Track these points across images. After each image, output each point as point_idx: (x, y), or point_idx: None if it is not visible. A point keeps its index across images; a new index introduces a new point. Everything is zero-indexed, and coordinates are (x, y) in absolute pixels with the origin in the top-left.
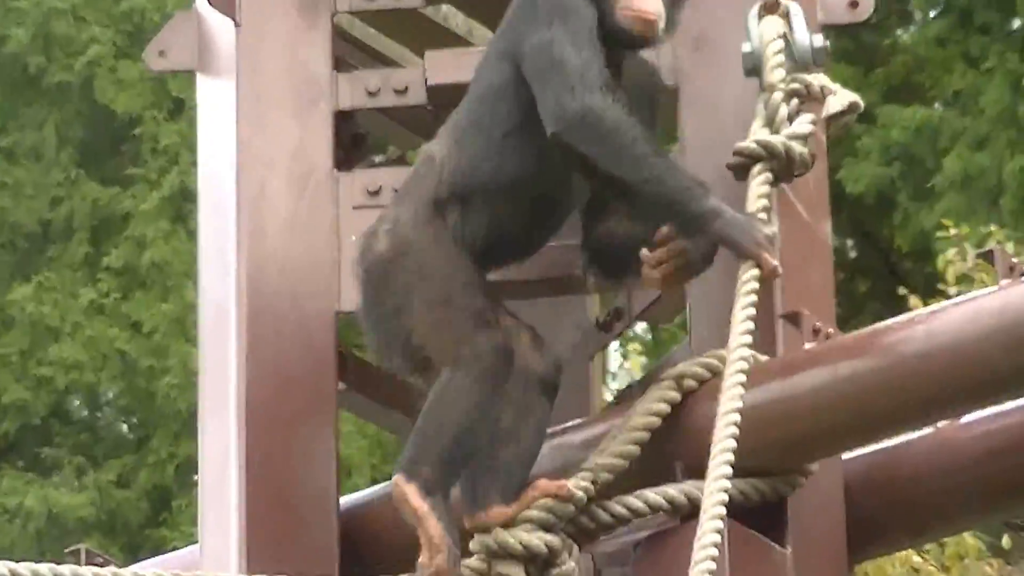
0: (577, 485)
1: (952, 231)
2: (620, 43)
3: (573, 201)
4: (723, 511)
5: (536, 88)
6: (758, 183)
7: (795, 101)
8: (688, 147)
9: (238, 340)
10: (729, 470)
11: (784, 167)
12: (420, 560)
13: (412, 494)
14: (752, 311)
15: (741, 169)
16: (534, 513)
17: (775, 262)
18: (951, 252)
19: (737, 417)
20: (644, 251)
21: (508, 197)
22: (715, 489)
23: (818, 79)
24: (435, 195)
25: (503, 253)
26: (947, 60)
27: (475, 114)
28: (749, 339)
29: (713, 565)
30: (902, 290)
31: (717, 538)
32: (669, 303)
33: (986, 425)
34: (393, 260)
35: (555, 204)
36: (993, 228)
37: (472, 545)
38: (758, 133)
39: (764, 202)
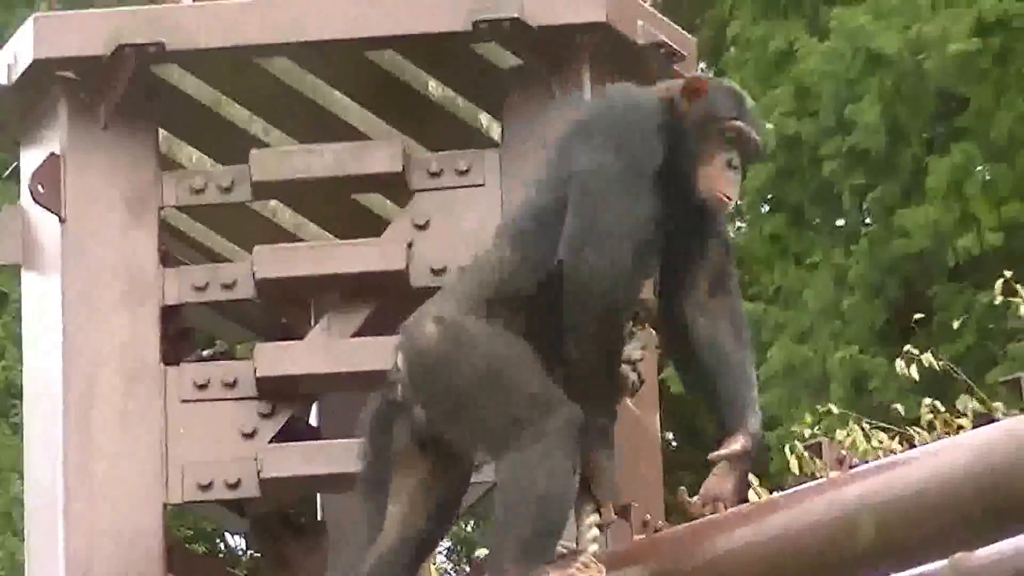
0: None
1: (807, 430)
2: (685, 199)
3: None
4: None
5: (571, 209)
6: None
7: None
8: None
9: (65, 534)
10: None
11: None
12: None
13: None
14: None
15: None
16: None
17: None
18: (799, 445)
19: None
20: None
21: (548, 310)
22: None
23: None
24: (486, 294)
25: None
26: (769, 257)
27: (528, 227)
28: None
29: None
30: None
31: None
32: None
33: None
34: (446, 346)
35: None
36: (826, 408)
37: None
38: None
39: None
